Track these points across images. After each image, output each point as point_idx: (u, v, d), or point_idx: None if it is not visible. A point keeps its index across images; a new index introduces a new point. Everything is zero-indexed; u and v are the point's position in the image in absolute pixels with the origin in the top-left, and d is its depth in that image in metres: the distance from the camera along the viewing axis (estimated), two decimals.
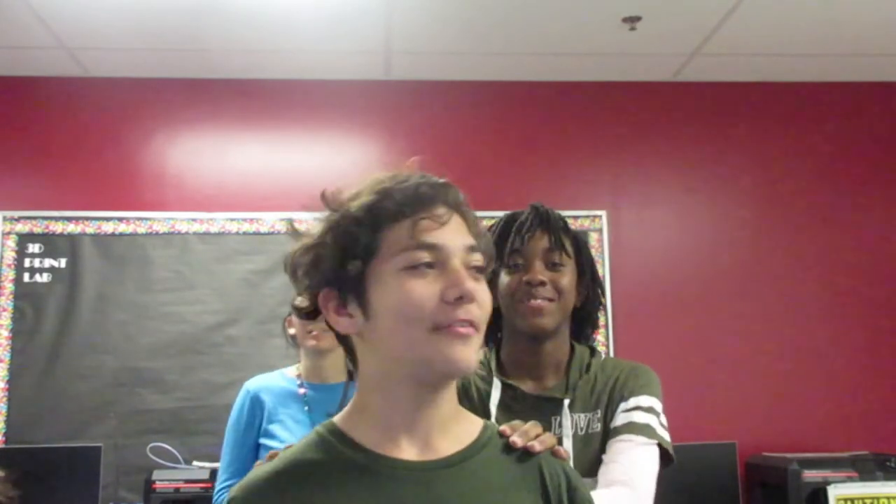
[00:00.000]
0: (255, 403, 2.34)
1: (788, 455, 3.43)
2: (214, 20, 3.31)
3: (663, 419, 1.55)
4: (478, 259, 1.01)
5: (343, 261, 1.00)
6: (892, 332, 3.87)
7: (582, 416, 1.54)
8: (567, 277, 1.57)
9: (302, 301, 1.09)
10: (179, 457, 3.47)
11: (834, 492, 3.18)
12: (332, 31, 3.42)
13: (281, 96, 3.88)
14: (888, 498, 3.18)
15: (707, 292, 3.85)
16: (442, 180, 1.04)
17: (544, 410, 1.52)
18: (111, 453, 3.43)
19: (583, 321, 1.67)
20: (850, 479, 3.25)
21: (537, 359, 1.58)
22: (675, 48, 3.65)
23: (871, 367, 3.83)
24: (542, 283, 1.54)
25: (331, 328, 1.06)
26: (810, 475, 3.27)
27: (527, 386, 1.58)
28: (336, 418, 1.06)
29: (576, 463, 1.44)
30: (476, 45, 3.60)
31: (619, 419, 1.53)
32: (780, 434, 3.70)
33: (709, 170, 3.96)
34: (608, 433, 1.53)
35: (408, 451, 1.00)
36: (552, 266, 1.56)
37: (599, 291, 1.67)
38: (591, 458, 1.51)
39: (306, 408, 2.33)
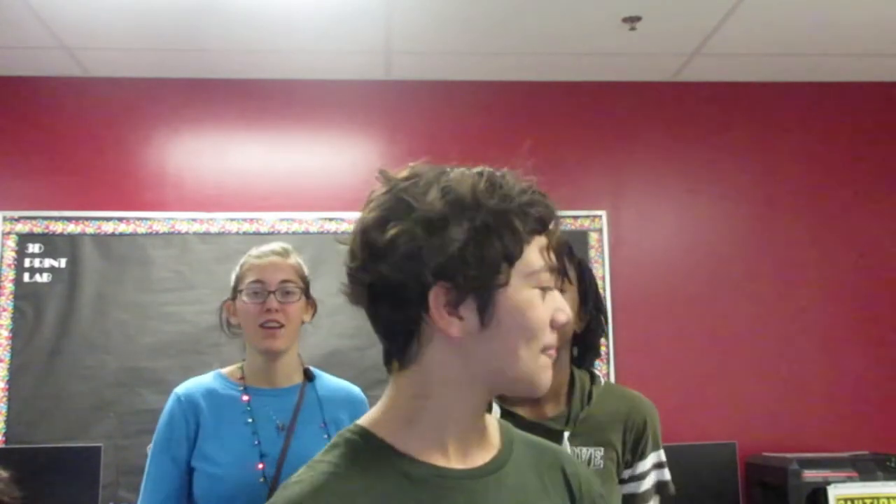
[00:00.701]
0: (191, 410, 1.94)
1: (788, 455, 3.42)
2: (214, 20, 3.31)
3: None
4: None
5: (496, 259, 0.92)
6: (893, 332, 3.87)
7: (584, 449, 1.58)
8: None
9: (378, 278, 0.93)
10: None
11: (834, 492, 3.18)
12: (332, 31, 3.42)
13: (281, 96, 3.88)
14: (888, 498, 3.18)
15: (707, 292, 3.85)
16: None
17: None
18: (111, 453, 3.43)
19: (586, 349, 1.70)
20: (850, 479, 3.26)
21: None
22: (675, 48, 3.65)
23: (872, 368, 3.83)
24: None
25: (390, 323, 0.96)
26: (810, 475, 3.27)
27: (525, 410, 1.60)
28: (366, 423, 0.99)
29: None
30: (476, 45, 3.60)
31: (648, 481, 1.64)
32: (780, 434, 3.70)
33: (709, 170, 3.96)
34: (622, 470, 1.64)
35: (452, 460, 0.97)
36: None
37: (602, 319, 1.69)
38: None
39: (250, 419, 1.96)
